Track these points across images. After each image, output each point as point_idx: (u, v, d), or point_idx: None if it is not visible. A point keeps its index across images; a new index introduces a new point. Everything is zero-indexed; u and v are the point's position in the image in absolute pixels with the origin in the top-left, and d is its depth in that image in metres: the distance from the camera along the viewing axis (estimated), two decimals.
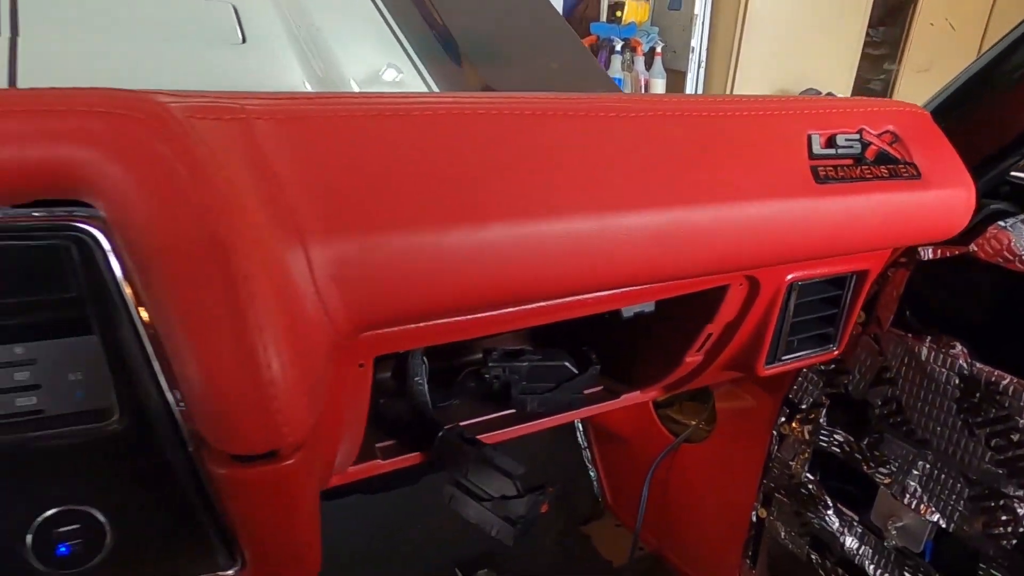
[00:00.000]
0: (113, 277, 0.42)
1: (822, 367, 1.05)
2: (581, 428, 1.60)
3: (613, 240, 0.54)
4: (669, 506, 1.38)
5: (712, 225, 0.59)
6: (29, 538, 0.51)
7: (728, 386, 1.19)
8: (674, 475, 1.36)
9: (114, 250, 0.41)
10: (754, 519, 1.23)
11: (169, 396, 0.43)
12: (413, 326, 0.51)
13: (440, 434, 0.76)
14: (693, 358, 0.83)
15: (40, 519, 0.51)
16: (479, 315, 0.55)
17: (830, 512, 1.10)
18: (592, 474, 1.61)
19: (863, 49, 4.73)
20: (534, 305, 0.58)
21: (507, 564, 1.40)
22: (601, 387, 0.92)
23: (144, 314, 0.42)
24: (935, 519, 0.94)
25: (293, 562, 0.56)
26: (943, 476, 0.93)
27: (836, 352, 0.90)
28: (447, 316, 0.53)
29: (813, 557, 1.13)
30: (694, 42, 4.47)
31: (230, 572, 0.56)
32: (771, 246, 0.66)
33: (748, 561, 1.26)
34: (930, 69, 4.90)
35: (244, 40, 0.94)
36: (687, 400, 1.40)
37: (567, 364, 0.86)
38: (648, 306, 0.78)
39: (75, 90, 0.39)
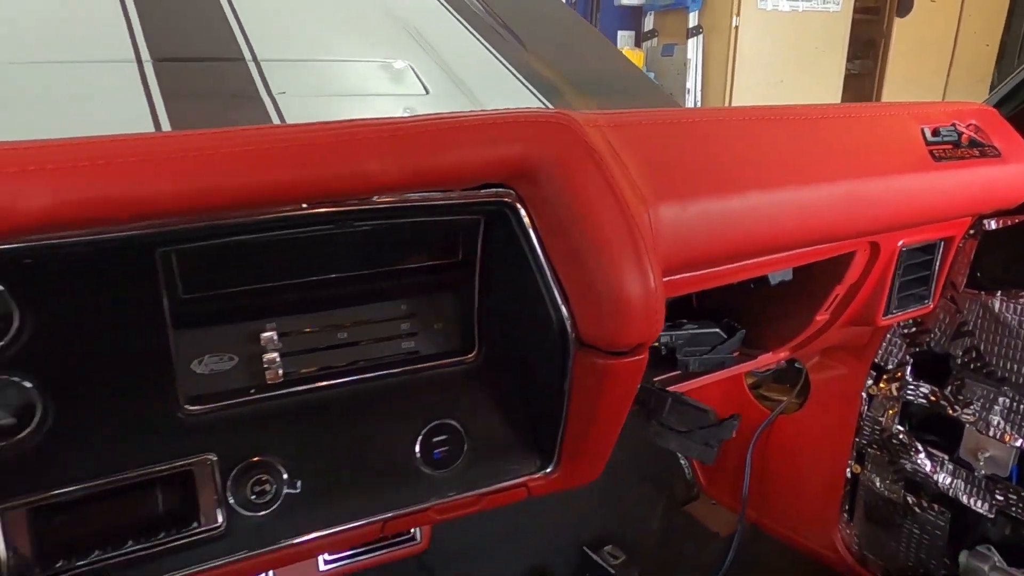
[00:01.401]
0: (527, 237, 0.62)
1: (904, 331, 1.26)
2: None
3: (808, 204, 0.75)
4: (766, 477, 1.56)
5: (863, 195, 0.81)
6: (417, 447, 0.69)
7: (819, 359, 1.39)
8: (770, 447, 1.54)
9: (528, 217, 0.61)
10: (849, 475, 1.42)
11: (564, 312, 0.62)
12: (690, 274, 0.72)
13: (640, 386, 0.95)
14: (822, 316, 1.04)
15: (423, 432, 0.70)
16: (729, 266, 0.76)
17: (921, 456, 1.29)
18: (683, 462, 1.78)
19: (845, 80, 5.10)
20: (751, 261, 0.79)
21: (626, 541, 1.56)
22: (739, 352, 1.12)
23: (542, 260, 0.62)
24: (1019, 444, 1.14)
25: (594, 462, 0.75)
26: (1023, 406, 1.13)
27: (931, 306, 1.11)
28: (717, 265, 0.74)
29: (909, 499, 1.32)
30: (689, 84, 4.82)
31: (547, 470, 0.74)
32: (896, 215, 0.88)
33: (845, 515, 1.44)
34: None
35: (427, 92, 1.17)
36: (772, 381, 1.60)
37: (718, 330, 1.07)
38: (787, 274, 0.99)
39: (511, 111, 0.60)
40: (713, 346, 1.06)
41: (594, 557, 1.50)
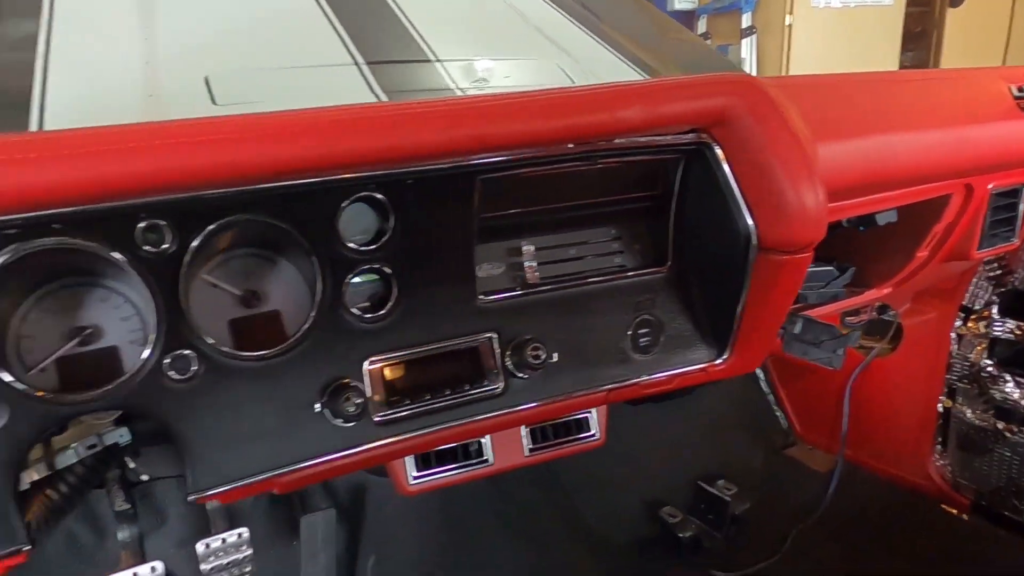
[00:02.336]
0: (720, 169, 0.84)
1: (990, 273, 1.44)
2: (763, 377, 1.98)
3: (922, 146, 0.96)
4: (862, 416, 1.74)
5: (963, 140, 1.01)
6: (628, 336, 0.92)
7: (911, 305, 1.57)
8: (865, 389, 1.72)
9: (723, 154, 0.84)
10: (941, 410, 1.59)
11: (750, 222, 0.84)
12: (832, 204, 0.93)
13: None
14: (922, 253, 1.23)
15: (632, 324, 0.92)
16: (858, 199, 0.97)
17: (1010, 385, 1.46)
18: (778, 413, 1.97)
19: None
20: (873, 196, 1.00)
21: (734, 479, 1.76)
22: (848, 288, 1.32)
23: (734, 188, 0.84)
24: None
25: (758, 350, 0.96)
26: None
27: (1016, 243, 1.29)
28: (852, 196, 0.95)
29: (999, 425, 1.49)
30: None
31: (723, 357, 0.96)
32: (988, 157, 1.07)
33: (939, 446, 1.61)
34: None
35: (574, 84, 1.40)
36: (864, 335, 1.78)
37: (832, 268, 1.27)
38: (892, 215, 1.19)
39: (715, 75, 0.82)
40: (827, 282, 1.26)
41: (710, 489, 1.69)
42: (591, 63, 1.53)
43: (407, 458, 1.04)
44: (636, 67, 1.57)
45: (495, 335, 0.85)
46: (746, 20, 4.98)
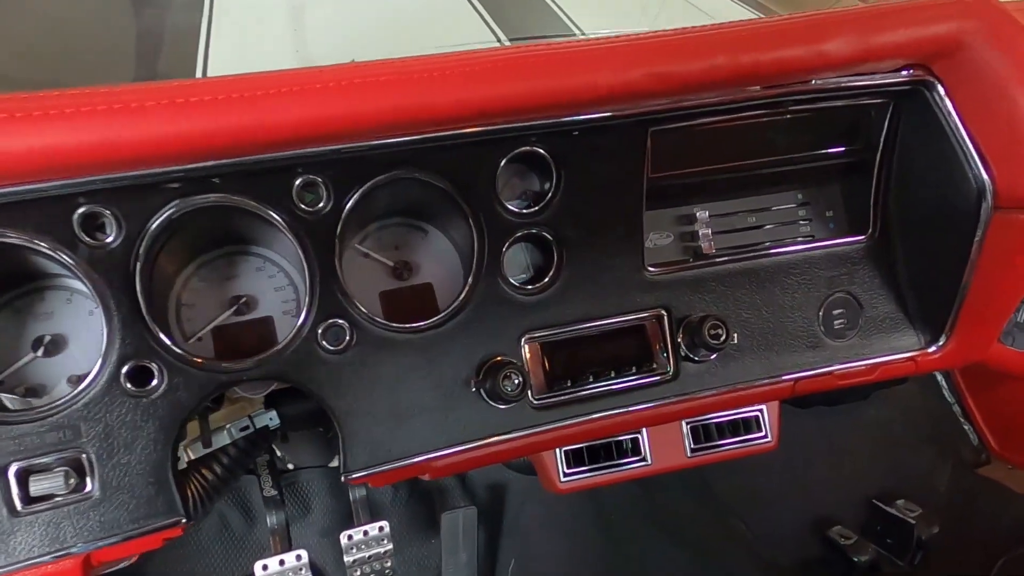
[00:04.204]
0: (944, 112, 0.69)
1: None
2: (946, 384, 1.72)
3: None
4: None
5: None
6: (819, 316, 0.79)
7: None
8: None
9: (947, 93, 0.69)
10: None
11: (983, 175, 0.69)
12: None
13: None
14: None
15: (824, 303, 0.79)
16: None
17: None
18: (967, 427, 1.71)
19: None
20: None
21: (916, 498, 1.53)
22: None
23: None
24: None
25: (987, 333, 0.79)
26: None
27: None
28: None
29: None
30: None
31: (938, 343, 0.80)
32: None
33: None
34: None
35: None
36: None
37: None
38: None
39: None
40: None
41: (888, 509, 1.48)
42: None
43: (558, 454, 0.95)
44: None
45: (665, 312, 0.75)
46: None
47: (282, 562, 1.03)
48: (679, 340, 0.74)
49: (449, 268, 0.76)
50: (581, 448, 0.96)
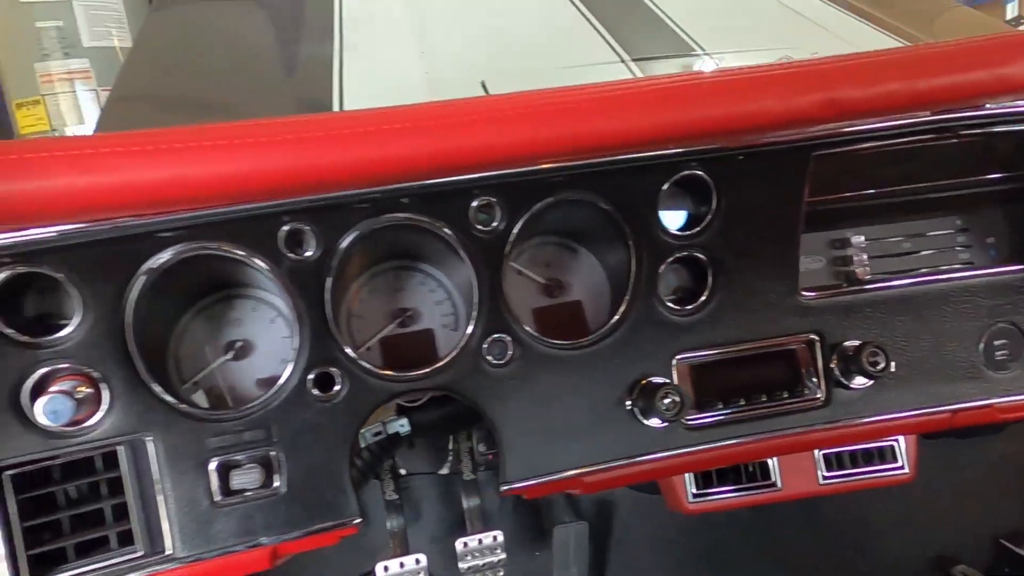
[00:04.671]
0: None
1: None
2: None
3: None
4: None
5: None
6: (980, 346, 0.76)
7: None
8: None
9: None
10: None
11: None
12: None
13: None
14: None
15: (985, 336, 0.76)
16: None
17: None
18: None
19: None
20: None
21: None
22: None
23: None
24: None
25: None
26: None
27: None
28: None
29: None
30: None
31: None
32: None
33: None
34: None
35: None
36: None
37: None
38: None
39: None
40: None
41: (1018, 551, 1.40)
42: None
43: (687, 474, 0.95)
44: None
45: (818, 337, 0.74)
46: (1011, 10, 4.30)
47: (402, 564, 1.06)
48: (832, 366, 0.73)
49: (597, 286, 0.77)
50: (710, 470, 0.95)
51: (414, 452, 1.47)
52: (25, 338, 0.56)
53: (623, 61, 1.28)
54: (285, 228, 0.60)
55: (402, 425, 0.92)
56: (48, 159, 0.48)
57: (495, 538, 1.10)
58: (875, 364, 0.71)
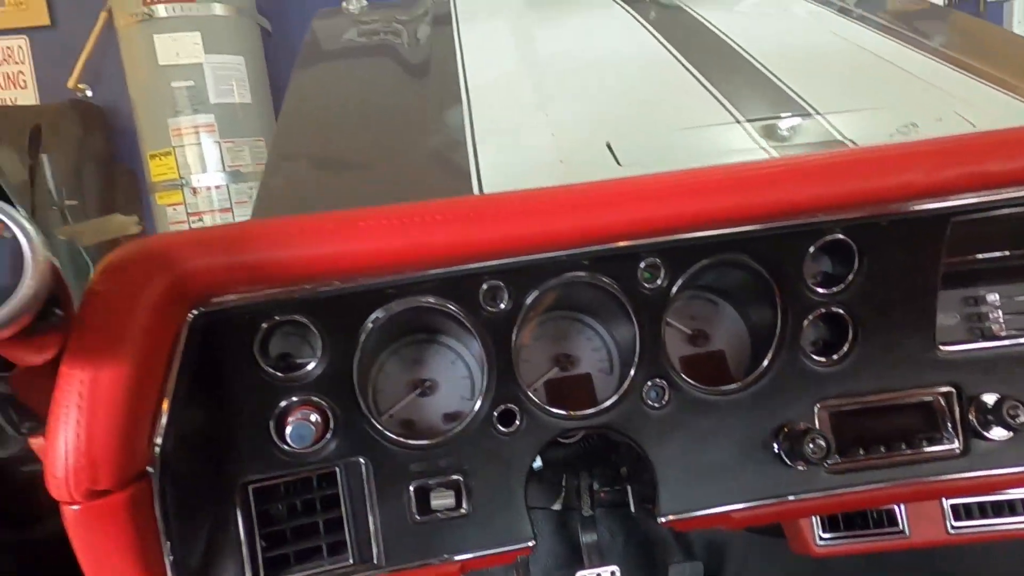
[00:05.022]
0: None
1: None
2: None
3: None
4: None
5: None
6: None
7: None
8: None
9: None
10: None
11: None
12: None
13: None
14: None
15: None
16: None
17: None
18: None
19: None
20: None
21: None
22: None
23: None
24: None
25: None
26: None
27: None
28: None
29: None
30: None
31: None
32: None
33: None
34: None
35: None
36: None
37: None
38: None
39: None
40: None
41: None
42: (989, 106, 1.39)
43: (815, 517, 1.00)
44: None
45: (955, 389, 0.78)
46: None
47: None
48: (970, 417, 0.78)
49: (737, 336, 0.84)
50: (837, 514, 0.99)
51: (538, 486, 1.55)
52: (280, 375, 0.68)
53: (738, 122, 1.36)
54: (485, 286, 0.71)
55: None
56: (321, 230, 0.60)
57: (612, 573, 1.16)
58: (1015, 416, 0.75)
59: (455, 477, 0.73)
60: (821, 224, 0.74)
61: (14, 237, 0.40)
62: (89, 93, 3.91)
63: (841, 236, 0.74)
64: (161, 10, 3.35)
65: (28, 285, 0.39)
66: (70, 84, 3.78)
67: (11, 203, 0.44)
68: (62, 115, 3.57)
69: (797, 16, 2.09)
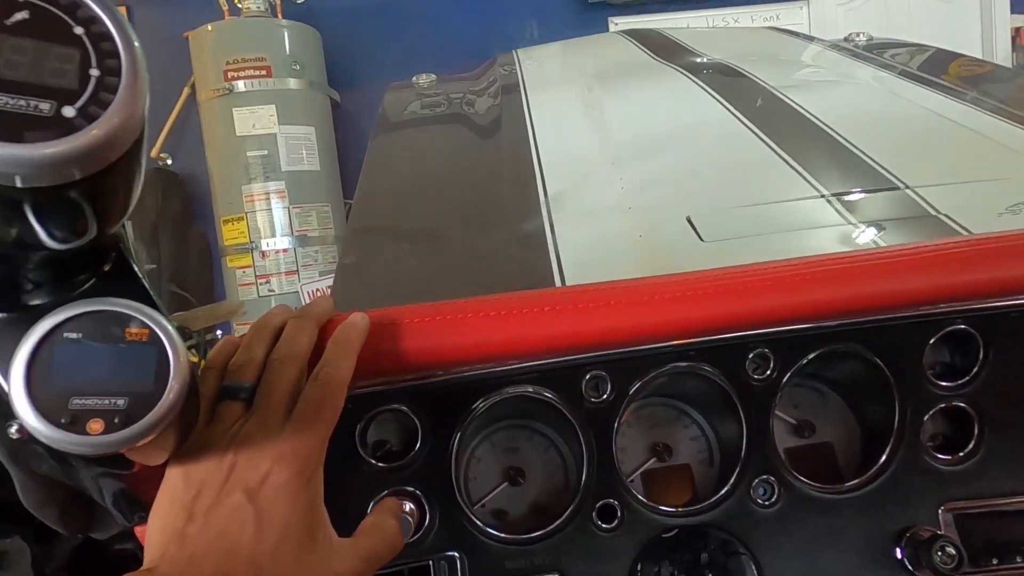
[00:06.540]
0: None
1: None
2: None
3: None
4: None
5: None
6: None
7: None
8: None
9: None
10: None
11: None
12: None
13: None
14: None
15: None
16: None
17: None
18: None
19: None
20: None
21: None
22: None
23: None
24: None
25: None
26: None
27: None
28: None
29: None
30: None
31: None
32: None
33: None
34: None
35: None
36: None
37: None
38: None
39: None
40: None
41: None
42: None
43: None
44: None
45: None
46: None
47: None
48: None
49: (846, 428, 0.80)
50: None
51: None
52: (382, 465, 0.67)
53: (823, 196, 1.33)
54: (588, 376, 0.69)
55: None
56: (433, 323, 0.60)
57: None
58: None
59: (552, 575, 0.70)
60: (940, 315, 0.70)
61: (158, 340, 0.41)
62: (169, 161, 4.14)
63: (964, 327, 0.70)
64: (240, 85, 3.55)
65: (174, 390, 0.39)
66: (153, 153, 4.01)
67: (155, 304, 0.45)
68: (145, 182, 3.78)
69: (863, 81, 2.07)
